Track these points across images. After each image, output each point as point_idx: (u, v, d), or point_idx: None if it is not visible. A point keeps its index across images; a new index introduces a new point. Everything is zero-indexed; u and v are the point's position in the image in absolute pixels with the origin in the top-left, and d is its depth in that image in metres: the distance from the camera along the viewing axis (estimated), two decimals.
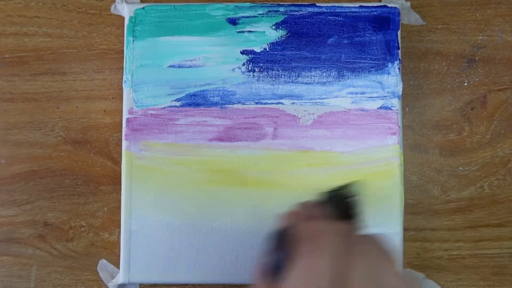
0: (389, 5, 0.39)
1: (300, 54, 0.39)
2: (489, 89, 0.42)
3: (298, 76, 0.39)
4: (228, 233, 0.38)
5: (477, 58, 0.42)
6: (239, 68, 0.39)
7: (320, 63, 0.39)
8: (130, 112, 0.39)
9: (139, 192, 0.38)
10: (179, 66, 0.39)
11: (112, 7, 0.41)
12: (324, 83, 0.39)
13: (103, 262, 0.40)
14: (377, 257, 0.23)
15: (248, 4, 0.39)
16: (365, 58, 0.39)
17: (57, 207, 0.41)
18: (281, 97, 0.39)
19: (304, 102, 0.39)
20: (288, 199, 0.38)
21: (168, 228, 0.38)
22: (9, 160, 0.41)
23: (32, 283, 0.40)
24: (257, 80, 0.39)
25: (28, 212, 0.41)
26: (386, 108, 0.39)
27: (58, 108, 0.41)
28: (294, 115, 0.39)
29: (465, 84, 0.42)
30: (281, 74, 0.39)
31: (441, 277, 0.41)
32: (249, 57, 0.39)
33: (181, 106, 0.39)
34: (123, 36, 0.39)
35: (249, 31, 0.39)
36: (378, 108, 0.39)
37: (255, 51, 0.39)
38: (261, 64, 0.39)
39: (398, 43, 0.39)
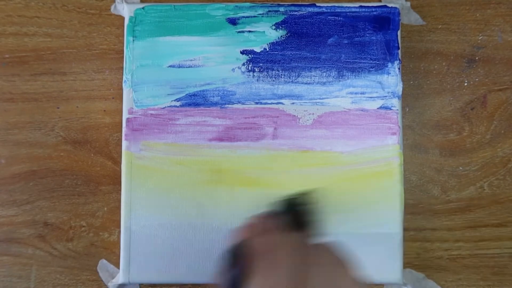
0: (389, 5, 0.39)
1: (300, 54, 0.39)
2: (489, 89, 0.42)
3: (298, 76, 0.39)
4: (228, 233, 0.38)
5: (477, 58, 0.42)
6: (239, 68, 0.39)
7: (320, 63, 0.39)
8: (130, 112, 0.39)
9: (139, 192, 0.38)
10: (179, 66, 0.39)
11: (112, 7, 0.41)
12: (324, 83, 0.39)
13: (103, 262, 0.40)
14: (333, 266, 0.23)
15: (248, 4, 0.39)
16: (365, 58, 0.39)
17: (57, 207, 0.41)
18: (281, 97, 0.39)
19: (304, 102, 0.39)
20: None
21: (168, 228, 0.38)
22: (9, 160, 0.41)
23: (32, 283, 0.40)
24: (257, 80, 0.39)
25: (28, 212, 0.41)
26: (386, 108, 0.39)
27: (58, 108, 0.41)
28: (294, 115, 0.39)
29: (465, 84, 0.42)
30: (281, 74, 0.39)
31: (441, 277, 0.41)
32: (249, 57, 0.39)
33: (181, 106, 0.39)
34: (123, 36, 0.39)
35: (249, 31, 0.39)
36: (378, 108, 0.39)
37: (255, 51, 0.39)
38: (261, 64, 0.39)
39: (398, 43, 0.39)
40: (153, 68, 0.39)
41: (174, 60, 0.39)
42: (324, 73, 0.39)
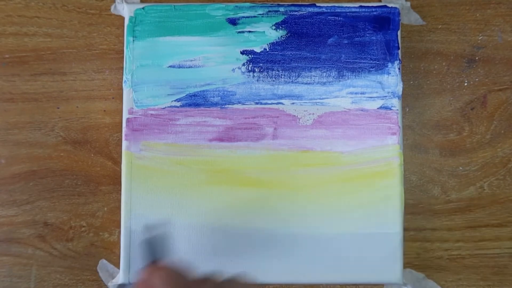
0: (389, 5, 0.39)
1: (300, 54, 0.39)
2: (489, 89, 0.42)
3: (298, 76, 0.39)
4: (228, 233, 0.38)
5: (477, 58, 0.42)
6: (239, 68, 0.39)
7: (320, 63, 0.39)
8: (130, 112, 0.38)
9: (139, 192, 0.38)
10: (179, 66, 0.39)
11: (112, 7, 0.41)
12: (324, 83, 0.39)
13: (103, 262, 0.40)
14: None
15: (248, 4, 0.39)
16: (365, 58, 0.39)
17: (57, 207, 0.41)
18: (281, 97, 0.39)
19: (304, 102, 0.39)
20: (288, 199, 0.38)
21: (168, 228, 0.38)
22: (9, 160, 0.41)
23: (32, 283, 0.40)
24: (257, 80, 0.39)
25: (28, 212, 0.41)
26: (386, 108, 0.39)
27: (58, 108, 0.41)
28: (294, 115, 0.39)
29: (465, 84, 0.42)
30: (281, 74, 0.39)
31: (441, 277, 0.41)
32: (249, 57, 0.39)
33: (181, 106, 0.39)
34: (123, 36, 0.39)
35: (249, 31, 0.39)
36: (378, 108, 0.39)
37: (255, 51, 0.39)
38: (261, 64, 0.39)
39: (398, 43, 0.39)
40: (153, 68, 0.39)
41: (174, 60, 0.39)
42: (324, 73, 0.39)
